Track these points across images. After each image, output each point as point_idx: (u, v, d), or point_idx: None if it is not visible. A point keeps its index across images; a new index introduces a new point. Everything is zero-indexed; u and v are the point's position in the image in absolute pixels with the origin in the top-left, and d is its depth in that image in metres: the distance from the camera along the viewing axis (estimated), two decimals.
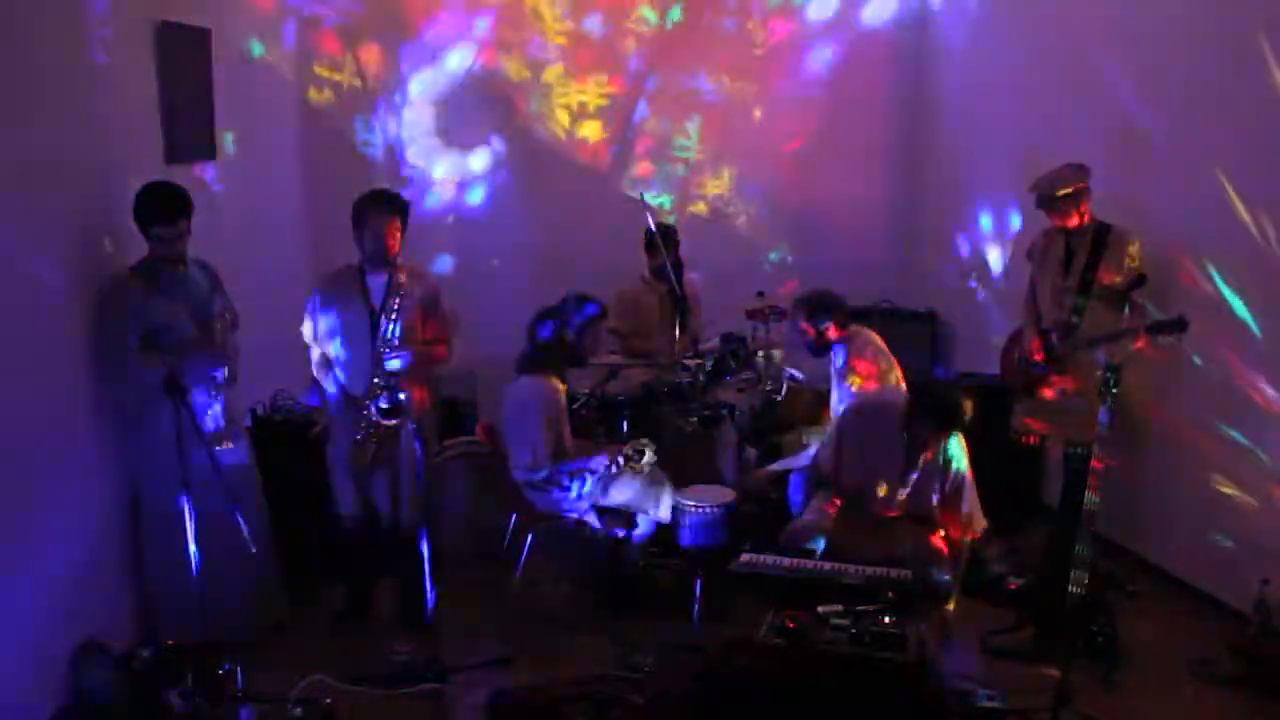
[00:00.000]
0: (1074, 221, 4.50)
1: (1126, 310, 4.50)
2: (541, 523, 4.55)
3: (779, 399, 5.25)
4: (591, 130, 6.75)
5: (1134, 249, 4.49)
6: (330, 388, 4.36)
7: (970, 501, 4.23)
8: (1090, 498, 3.68)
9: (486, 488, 4.88)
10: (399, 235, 4.26)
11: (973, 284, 6.44)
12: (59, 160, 3.61)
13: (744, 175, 7.00)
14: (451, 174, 6.67)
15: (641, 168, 6.84)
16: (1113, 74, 5.04)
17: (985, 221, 6.31)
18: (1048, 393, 4.70)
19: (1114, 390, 3.66)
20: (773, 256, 7.10)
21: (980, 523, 4.27)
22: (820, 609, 3.59)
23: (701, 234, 6.72)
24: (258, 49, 5.58)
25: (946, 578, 3.96)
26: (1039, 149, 5.49)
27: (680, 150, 6.90)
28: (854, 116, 6.94)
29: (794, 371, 5.44)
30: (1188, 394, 4.68)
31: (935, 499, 4.23)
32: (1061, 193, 4.45)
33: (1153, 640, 4.22)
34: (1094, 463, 3.73)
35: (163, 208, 3.86)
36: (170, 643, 3.74)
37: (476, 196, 6.73)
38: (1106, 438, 3.71)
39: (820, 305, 4.91)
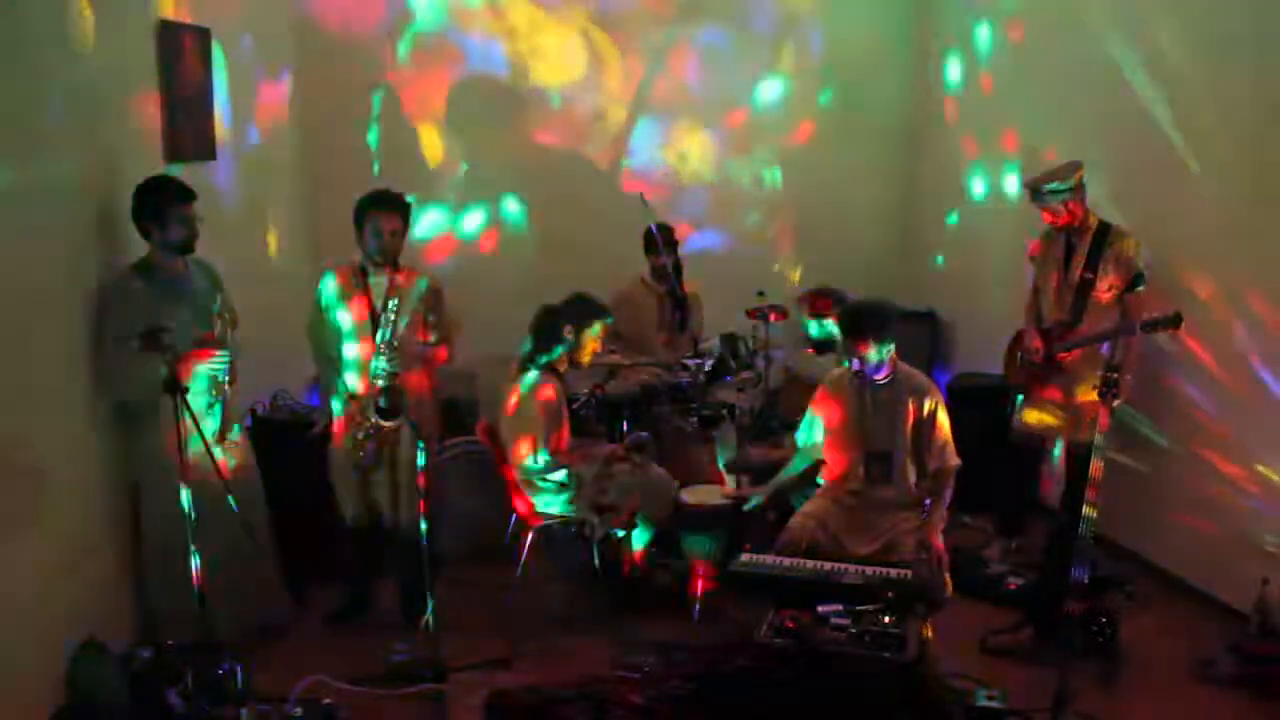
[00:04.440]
0: (1064, 219, 4.50)
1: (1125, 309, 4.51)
2: (541, 523, 4.55)
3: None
4: (592, 129, 6.74)
5: (1133, 248, 4.48)
6: (330, 387, 4.36)
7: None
8: (1090, 498, 3.67)
9: (486, 488, 4.88)
10: (401, 235, 4.27)
11: (972, 284, 6.44)
12: (58, 160, 3.60)
13: (744, 174, 6.99)
14: (452, 173, 6.67)
15: (641, 167, 6.82)
16: (1117, 70, 5.03)
17: (986, 221, 6.31)
18: (1049, 393, 4.70)
19: (1115, 389, 3.66)
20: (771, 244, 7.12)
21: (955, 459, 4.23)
22: (820, 609, 3.60)
23: (701, 233, 6.72)
24: (258, 46, 5.57)
25: (945, 594, 3.96)
26: (1040, 148, 5.50)
27: (680, 150, 6.89)
28: (855, 115, 6.94)
29: (778, 353, 5.48)
30: (1189, 393, 4.68)
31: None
32: (1049, 187, 4.45)
33: (1153, 640, 4.22)
34: (1094, 462, 3.72)
35: (177, 190, 3.88)
36: (170, 643, 3.73)
37: (477, 196, 6.72)
38: (1108, 437, 3.70)
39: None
